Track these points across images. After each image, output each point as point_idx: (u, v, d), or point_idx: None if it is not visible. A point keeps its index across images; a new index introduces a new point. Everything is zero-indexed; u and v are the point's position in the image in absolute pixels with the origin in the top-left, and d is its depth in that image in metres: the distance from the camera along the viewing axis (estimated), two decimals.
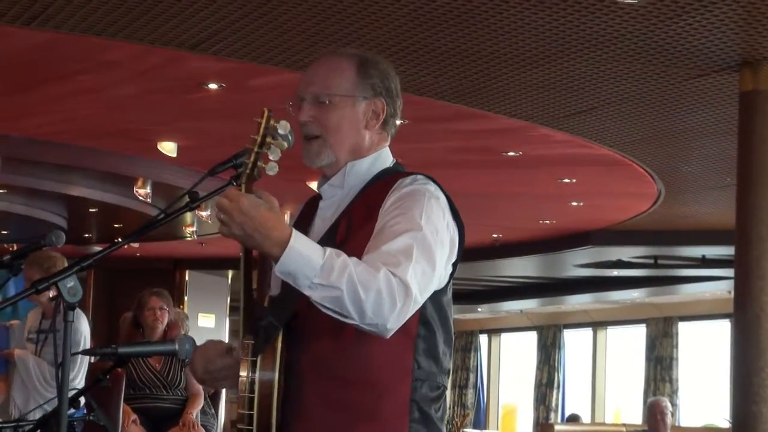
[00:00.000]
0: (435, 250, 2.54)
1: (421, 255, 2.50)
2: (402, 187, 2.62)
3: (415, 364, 2.59)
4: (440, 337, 2.64)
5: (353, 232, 2.61)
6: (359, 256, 2.49)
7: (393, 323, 2.44)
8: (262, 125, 2.46)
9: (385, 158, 2.76)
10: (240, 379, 2.52)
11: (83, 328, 6.53)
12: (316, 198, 2.80)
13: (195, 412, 7.28)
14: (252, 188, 2.45)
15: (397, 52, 6.82)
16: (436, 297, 2.61)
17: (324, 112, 2.67)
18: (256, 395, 2.51)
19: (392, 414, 2.56)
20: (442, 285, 2.62)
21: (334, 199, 2.72)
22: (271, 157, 2.45)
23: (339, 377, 2.55)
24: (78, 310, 6.72)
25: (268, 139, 2.45)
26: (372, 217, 2.60)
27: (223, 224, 2.41)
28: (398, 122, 2.80)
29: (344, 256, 2.43)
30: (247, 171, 2.45)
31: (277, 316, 2.57)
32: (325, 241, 2.59)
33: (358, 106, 2.69)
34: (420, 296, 2.50)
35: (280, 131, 2.47)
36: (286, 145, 2.46)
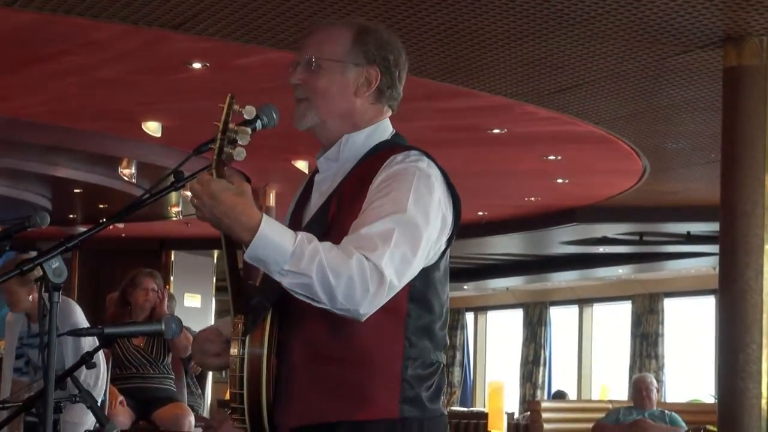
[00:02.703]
0: (419, 232, 2.53)
1: (401, 239, 2.50)
2: (392, 165, 2.61)
3: (406, 342, 2.58)
4: (434, 313, 2.63)
5: (344, 209, 2.61)
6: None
7: (366, 308, 2.46)
8: (224, 111, 2.47)
9: (382, 131, 2.75)
10: (231, 358, 2.53)
11: (80, 320, 6.22)
12: (315, 171, 2.80)
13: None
14: (223, 173, 2.46)
15: None
16: (427, 273, 2.60)
17: (313, 76, 2.69)
18: (245, 373, 2.51)
19: (383, 393, 2.56)
20: (433, 261, 2.62)
21: (329, 172, 2.72)
22: (240, 142, 2.47)
23: (329, 356, 2.56)
24: (69, 301, 6.45)
25: (231, 125, 2.46)
26: (362, 194, 2.60)
27: (197, 208, 2.45)
28: (398, 95, 2.78)
29: (315, 241, 2.44)
30: (215, 157, 2.47)
31: (267, 295, 2.58)
32: (316, 218, 2.63)
33: (347, 72, 2.69)
34: (397, 281, 2.50)
35: (246, 116, 2.49)
36: (249, 130, 2.48)
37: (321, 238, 2.52)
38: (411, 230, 2.52)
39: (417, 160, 2.63)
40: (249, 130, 2.47)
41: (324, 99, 2.69)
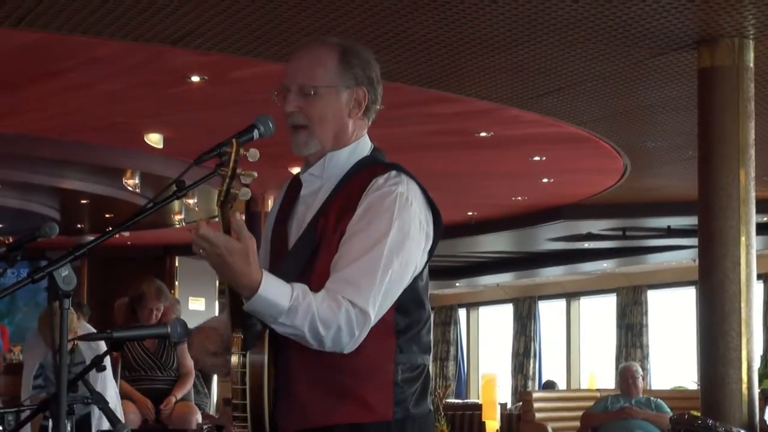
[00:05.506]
0: (401, 257, 2.63)
1: (385, 271, 2.60)
2: (374, 190, 2.67)
3: (397, 349, 2.68)
4: (418, 319, 2.73)
5: (331, 229, 2.68)
6: (332, 257, 2.64)
7: (350, 348, 2.60)
8: (232, 157, 2.52)
9: (363, 147, 2.80)
10: (232, 371, 2.62)
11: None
12: (297, 180, 2.85)
13: (180, 395, 7.40)
14: (227, 212, 2.53)
15: (372, 40, 6.99)
16: (412, 283, 2.70)
17: (309, 103, 2.72)
18: (247, 385, 2.60)
19: (378, 397, 2.65)
20: (417, 272, 2.71)
21: (314, 187, 2.78)
22: (243, 181, 2.53)
23: (327, 364, 2.63)
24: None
25: (239, 171, 2.52)
26: (348, 215, 2.67)
27: (203, 253, 2.52)
28: (378, 107, 2.83)
29: (309, 296, 2.54)
30: (221, 198, 2.52)
31: None
32: (305, 236, 2.72)
33: (341, 95, 2.74)
34: (379, 314, 2.62)
35: (250, 160, 2.54)
36: (255, 174, 2.53)
37: (310, 256, 2.66)
38: (393, 258, 2.61)
39: (397, 182, 2.68)
40: (255, 173, 2.53)
41: (322, 125, 2.74)
